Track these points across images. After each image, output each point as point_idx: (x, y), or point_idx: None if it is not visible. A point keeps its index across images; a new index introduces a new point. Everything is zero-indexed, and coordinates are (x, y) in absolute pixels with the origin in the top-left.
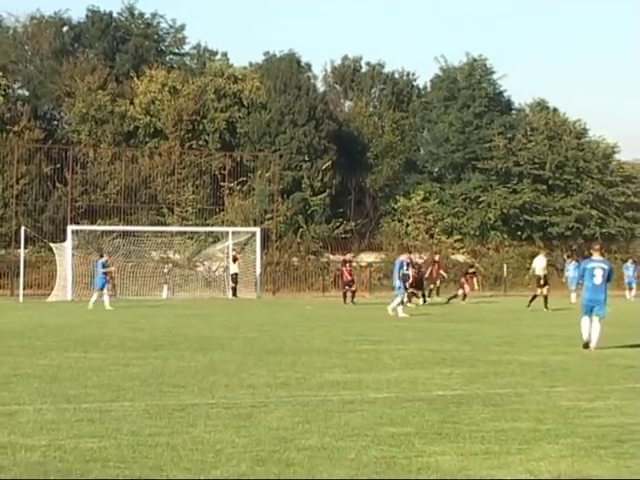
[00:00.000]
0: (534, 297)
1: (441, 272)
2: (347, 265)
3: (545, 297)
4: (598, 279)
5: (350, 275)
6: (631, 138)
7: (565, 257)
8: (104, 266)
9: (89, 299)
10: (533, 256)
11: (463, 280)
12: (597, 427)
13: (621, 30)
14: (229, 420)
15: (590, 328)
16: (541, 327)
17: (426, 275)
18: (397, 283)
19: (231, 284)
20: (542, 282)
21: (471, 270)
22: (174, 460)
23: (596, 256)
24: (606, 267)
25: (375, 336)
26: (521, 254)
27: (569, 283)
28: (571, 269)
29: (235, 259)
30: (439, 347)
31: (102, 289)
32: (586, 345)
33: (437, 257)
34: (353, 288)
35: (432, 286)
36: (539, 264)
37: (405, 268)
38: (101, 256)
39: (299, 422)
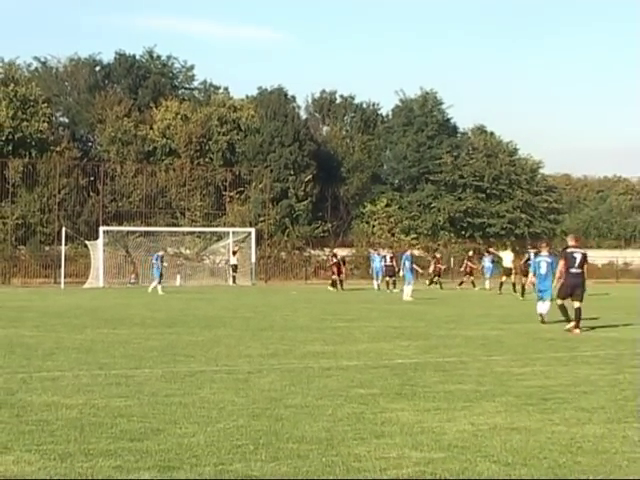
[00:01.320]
0: (502, 284)
1: (439, 266)
2: (335, 258)
3: (513, 284)
4: (543, 269)
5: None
6: (553, 155)
7: (484, 251)
8: (161, 259)
9: (118, 286)
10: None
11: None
12: (526, 388)
13: (546, 68)
14: (230, 383)
15: (543, 308)
16: (481, 308)
17: (430, 270)
18: (408, 274)
19: (232, 273)
20: (515, 272)
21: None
22: (185, 415)
23: (544, 252)
24: (549, 260)
25: (348, 315)
26: (465, 249)
27: (485, 272)
28: (487, 261)
29: (234, 253)
30: (399, 324)
31: (159, 278)
32: (542, 321)
33: (438, 255)
34: (342, 277)
35: (436, 278)
36: (507, 257)
37: (410, 261)
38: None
39: (286, 385)
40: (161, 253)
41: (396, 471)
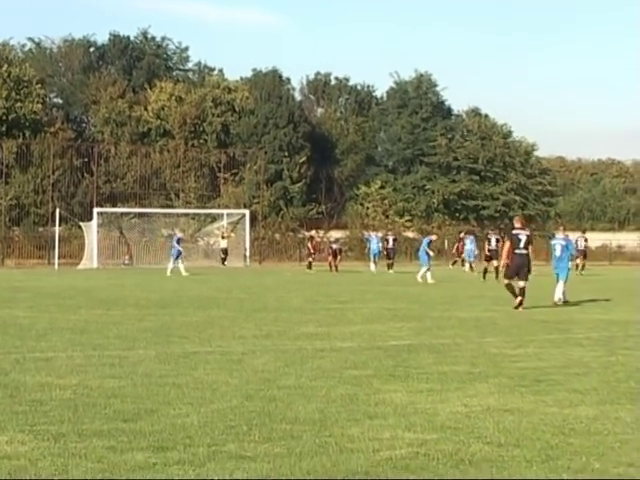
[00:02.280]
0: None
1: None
2: (313, 240)
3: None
4: (558, 252)
5: (314, 248)
6: (548, 137)
7: (463, 233)
8: (179, 241)
9: (112, 267)
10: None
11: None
12: (519, 369)
13: (542, 50)
14: (223, 364)
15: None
16: (474, 290)
17: (453, 250)
18: (424, 257)
19: (221, 255)
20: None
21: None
22: (179, 396)
23: (559, 235)
24: (563, 243)
25: (341, 297)
26: (459, 232)
27: (466, 255)
28: (468, 243)
29: (223, 236)
30: (393, 306)
31: (177, 259)
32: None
33: (462, 234)
34: (310, 259)
35: (457, 259)
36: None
37: (428, 245)
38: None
39: (280, 366)
40: (180, 235)
41: (389, 452)
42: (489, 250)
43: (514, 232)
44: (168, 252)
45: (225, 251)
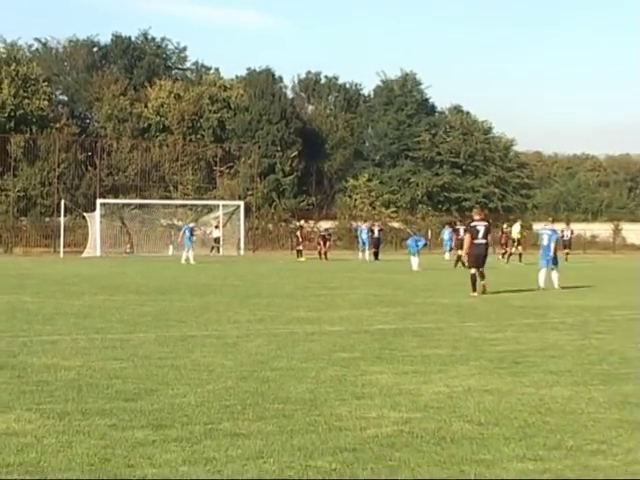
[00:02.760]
0: (510, 254)
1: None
2: (303, 230)
3: (520, 254)
4: (545, 241)
5: (303, 238)
6: (526, 133)
7: (442, 225)
8: (191, 231)
9: (114, 255)
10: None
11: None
12: (498, 352)
13: (520, 50)
14: (219, 347)
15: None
16: (455, 277)
17: (502, 242)
18: (447, 243)
19: (214, 244)
20: (516, 243)
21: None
22: (177, 377)
23: (547, 225)
24: (549, 232)
25: (331, 284)
26: (441, 222)
27: (444, 245)
28: (446, 233)
29: (217, 226)
30: (379, 292)
31: (189, 248)
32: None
33: (505, 226)
34: (300, 247)
35: (503, 250)
36: (515, 229)
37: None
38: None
39: (272, 349)
40: (192, 225)
41: (375, 430)
42: (457, 239)
43: (473, 224)
44: (166, 241)
45: (218, 240)
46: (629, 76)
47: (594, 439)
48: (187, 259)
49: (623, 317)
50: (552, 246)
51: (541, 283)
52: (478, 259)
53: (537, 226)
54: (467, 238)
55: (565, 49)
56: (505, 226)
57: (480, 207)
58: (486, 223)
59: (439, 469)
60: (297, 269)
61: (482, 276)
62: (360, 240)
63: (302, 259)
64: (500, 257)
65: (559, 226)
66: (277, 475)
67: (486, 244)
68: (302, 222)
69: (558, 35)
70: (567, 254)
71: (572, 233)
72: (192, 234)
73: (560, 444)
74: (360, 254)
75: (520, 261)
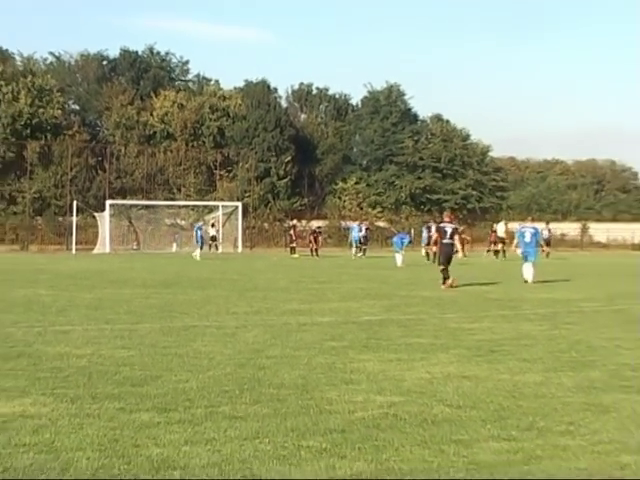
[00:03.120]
0: (496, 251)
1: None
2: (296, 228)
3: (503, 251)
4: (528, 238)
5: (296, 236)
6: (501, 139)
7: (423, 224)
8: (200, 229)
9: (122, 252)
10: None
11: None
12: (475, 341)
13: (495, 63)
14: (219, 337)
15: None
16: (436, 273)
17: (492, 240)
18: (399, 244)
19: (211, 242)
20: (501, 241)
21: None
22: (180, 364)
23: (528, 224)
24: (532, 231)
25: (322, 278)
26: (424, 222)
27: (423, 241)
28: (425, 231)
29: (213, 225)
30: (366, 286)
31: (201, 246)
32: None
33: (495, 226)
34: (293, 245)
35: (492, 248)
36: (500, 228)
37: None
38: (200, 222)
39: (268, 338)
40: (201, 224)
41: (362, 413)
42: (429, 237)
43: (441, 225)
44: (170, 239)
45: (214, 238)
46: (594, 89)
47: (563, 421)
48: (196, 255)
49: (590, 309)
50: (534, 243)
51: (525, 276)
52: (447, 256)
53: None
54: (435, 237)
55: (536, 63)
56: (495, 226)
57: (450, 211)
58: (453, 225)
59: (421, 448)
60: (290, 265)
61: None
62: (352, 238)
63: (295, 256)
64: (485, 253)
65: (539, 225)
66: (272, 454)
67: (452, 244)
68: (295, 221)
69: (529, 51)
70: (548, 252)
71: (550, 232)
72: (201, 232)
73: (532, 425)
74: (354, 250)
75: (504, 257)
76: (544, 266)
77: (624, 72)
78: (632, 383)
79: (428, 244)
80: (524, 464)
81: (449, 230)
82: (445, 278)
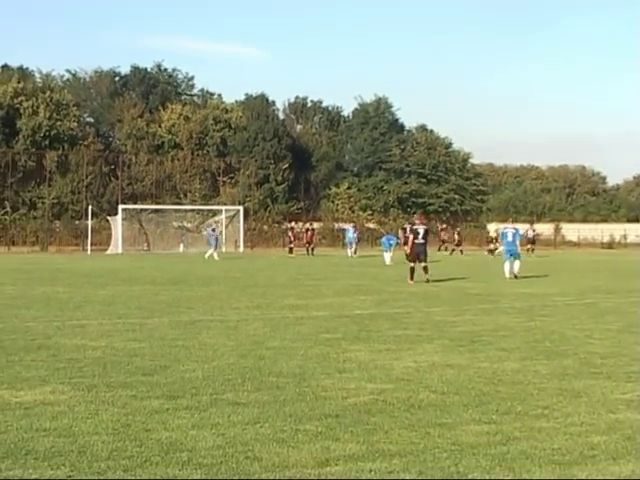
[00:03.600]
0: (491, 250)
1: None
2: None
3: (495, 249)
4: (510, 237)
5: (294, 237)
6: (481, 147)
7: (406, 223)
8: (214, 231)
9: (133, 252)
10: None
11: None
12: (458, 333)
13: (476, 76)
14: (222, 330)
15: (515, 266)
16: (420, 270)
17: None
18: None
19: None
20: (494, 240)
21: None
22: (187, 355)
23: (509, 225)
24: (514, 231)
25: (317, 275)
26: (410, 223)
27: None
28: (401, 233)
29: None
30: (358, 282)
31: (215, 246)
32: (515, 277)
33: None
34: (292, 245)
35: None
36: (492, 228)
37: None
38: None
39: (267, 331)
40: (214, 225)
41: (354, 399)
42: (405, 237)
43: (414, 227)
44: (178, 240)
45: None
46: (566, 99)
47: (539, 405)
48: (211, 255)
49: (563, 302)
50: (517, 242)
51: (507, 273)
52: (418, 255)
53: (495, 226)
54: (410, 238)
55: (513, 76)
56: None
57: (420, 214)
58: (425, 226)
59: (408, 431)
60: (288, 264)
61: (426, 270)
62: (347, 239)
63: (292, 255)
64: (486, 253)
65: (524, 226)
66: (272, 437)
67: (424, 243)
68: (293, 223)
69: (507, 65)
70: (533, 250)
71: (534, 232)
72: (214, 232)
73: (510, 409)
74: (348, 251)
75: (492, 254)
76: (524, 263)
77: (594, 83)
78: (601, 370)
79: (405, 244)
80: (503, 445)
81: (421, 231)
82: (412, 274)
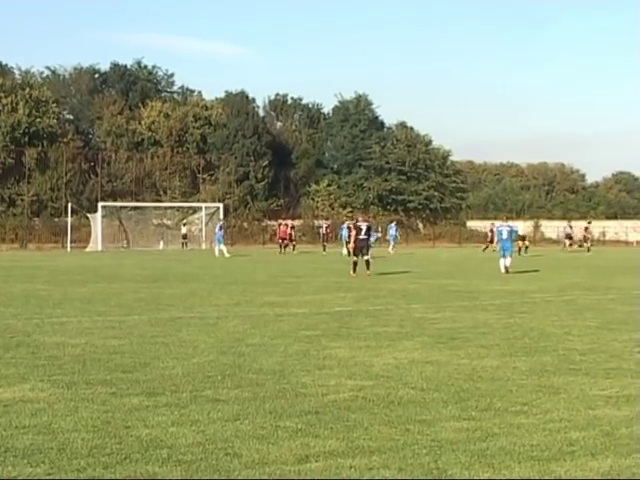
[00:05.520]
0: (486, 247)
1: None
2: (282, 226)
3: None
4: (505, 235)
5: (284, 233)
6: (460, 144)
7: (390, 221)
8: (221, 228)
9: (113, 250)
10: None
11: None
12: (438, 330)
13: (455, 74)
14: (202, 327)
15: (507, 262)
16: (401, 267)
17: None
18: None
19: (182, 240)
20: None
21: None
22: (167, 352)
23: (504, 223)
24: (509, 229)
25: (297, 273)
26: (390, 220)
27: (390, 239)
28: (392, 229)
29: (184, 224)
30: (338, 279)
31: (221, 243)
32: (507, 272)
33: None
34: (286, 242)
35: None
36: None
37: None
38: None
39: (247, 328)
40: (222, 223)
41: (334, 396)
42: (349, 235)
43: (358, 223)
44: (157, 237)
45: (185, 236)
46: (546, 97)
47: (518, 401)
48: (221, 252)
49: (542, 299)
50: (511, 239)
51: (502, 269)
52: (361, 250)
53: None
54: (353, 234)
55: (493, 75)
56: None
57: (362, 212)
58: (367, 223)
59: (388, 428)
60: (269, 261)
61: (367, 265)
62: (342, 237)
63: (284, 252)
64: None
65: (515, 224)
66: (252, 434)
67: (367, 239)
68: (281, 221)
69: (487, 63)
70: (526, 247)
71: (571, 228)
72: (222, 230)
73: (490, 406)
74: (344, 250)
75: (483, 251)
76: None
77: (573, 81)
78: (580, 366)
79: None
80: (482, 441)
81: (364, 228)
82: (355, 267)
